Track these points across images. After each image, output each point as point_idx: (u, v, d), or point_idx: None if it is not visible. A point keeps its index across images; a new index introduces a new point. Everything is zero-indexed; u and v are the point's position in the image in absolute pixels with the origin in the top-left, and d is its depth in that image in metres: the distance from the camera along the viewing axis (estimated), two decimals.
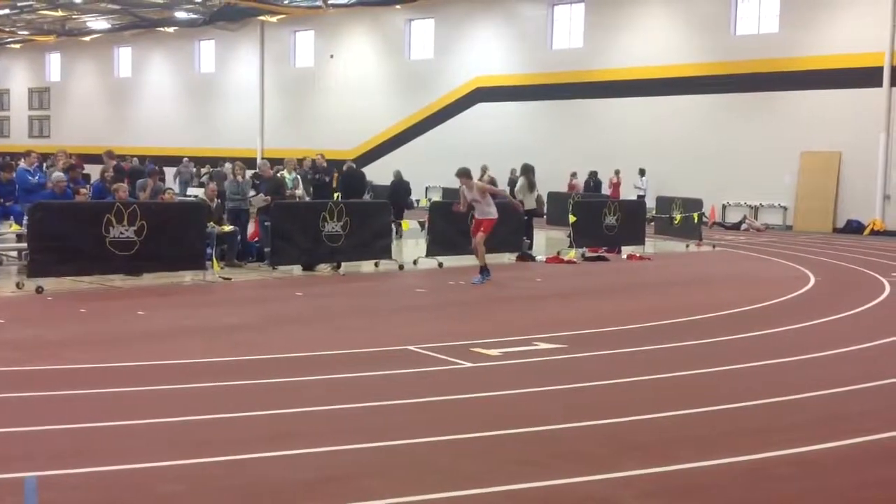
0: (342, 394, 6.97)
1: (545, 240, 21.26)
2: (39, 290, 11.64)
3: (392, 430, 5.99)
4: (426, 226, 16.43)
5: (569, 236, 18.36)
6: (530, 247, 17.99)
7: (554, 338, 9.28)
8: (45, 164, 18.41)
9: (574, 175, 30.24)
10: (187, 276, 13.44)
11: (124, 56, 48.13)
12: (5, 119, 54.53)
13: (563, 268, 16.63)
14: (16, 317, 10.16)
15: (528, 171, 18.70)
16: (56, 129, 50.94)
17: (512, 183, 22.12)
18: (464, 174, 14.16)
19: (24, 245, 12.43)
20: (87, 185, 16.41)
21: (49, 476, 4.93)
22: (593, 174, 30.41)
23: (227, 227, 14.78)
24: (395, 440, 5.76)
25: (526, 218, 17.88)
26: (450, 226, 15.99)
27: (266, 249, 14.89)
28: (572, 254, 17.60)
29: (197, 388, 7.09)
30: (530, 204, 18.29)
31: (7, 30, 45.30)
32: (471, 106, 35.15)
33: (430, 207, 16.77)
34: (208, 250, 13.67)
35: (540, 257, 17.58)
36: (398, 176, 23.16)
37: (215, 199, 15.42)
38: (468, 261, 15.69)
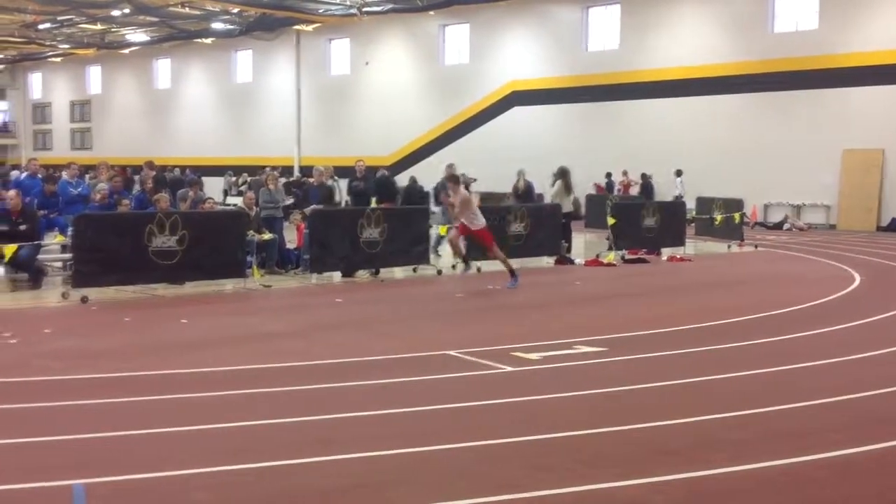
0: (382, 399, 6.99)
1: (583, 243, 21.18)
2: (84, 299, 11.82)
3: (431, 435, 5.99)
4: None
5: (608, 239, 18.28)
6: (568, 250, 17.93)
7: (594, 341, 9.25)
8: (87, 176, 18.68)
9: (625, 173, 30.22)
10: (228, 285, 13.56)
11: (163, 68, 48.77)
12: (48, 132, 55.44)
13: (602, 270, 16.55)
14: (62, 326, 10.32)
15: (564, 173, 18.65)
16: (97, 140, 51.71)
17: (551, 185, 22.06)
18: (451, 179, 14.49)
19: (69, 256, 12.61)
20: (129, 196, 16.61)
21: (95, 483, 5.00)
22: (608, 175, 30.43)
23: (267, 236, 14.90)
24: (434, 445, 5.76)
25: (564, 221, 17.83)
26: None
27: (305, 257, 14.99)
28: (611, 256, 17.51)
29: (237, 395, 7.14)
30: (567, 207, 18.24)
31: (48, 44, 46.07)
32: (506, 110, 35.15)
33: None
34: (248, 258, 13.80)
35: (579, 260, 17.52)
36: (412, 181, 23.19)
37: (254, 208, 15.55)
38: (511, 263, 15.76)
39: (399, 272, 15.60)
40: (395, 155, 36.91)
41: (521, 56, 34.77)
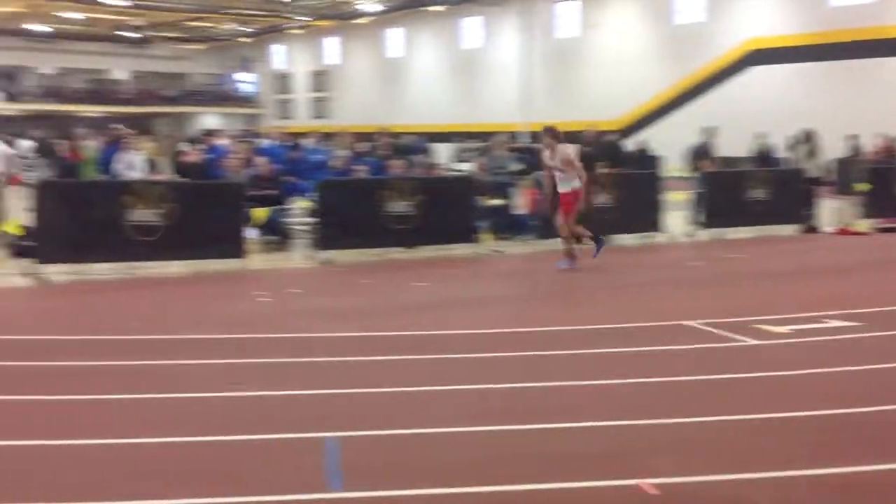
0: (621, 368, 6.82)
1: (832, 210, 19.87)
2: (327, 262, 12.36)
3: (679, 407, 5.78)
4: (698, 196, 15.83)
5: (859, 206, 16.99)
6: (813, 217, 16.86)
7: (848, 315, 8.60)
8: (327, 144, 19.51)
9: (884, 137, 28.08)
10: (459, 250, 13.76)
11: (395, 37, 50.14)
12: (290, 101, 58.52)
13: (853, 240, 15.44)
14: (308, 287, 10.84)
15: (809, 136, 17.54)
16: (335, 109, 54.03)
17: (790, 149, 20.80)
18: (549, 133, 12.14)
19: (312, 220, 13.23)
20: (365, 163, 17.18)
21: (346, 437, 5.17)
22: (853, 137, 28.08)
23: (497, 201, 14.98)
24: (685, 418, 5.54)
25: (808, 187, 16.77)
26: (725, 196, 15.33)
27: (534, 223, 14.95)
28: (864, 225, 16.29)
29: (463, 359, 7.19)
30: (813, 172, 17.14)
31: (290, 16, 48.55)
32: (743, 70, 33.47)
33: (704, 178, 16.12)
34: (480, 223, 13.93)
35: (827, 229, 16.43)
36: (642, 146, 22.50)
37: (485, 174, 15.67)
38: (745, 233, 15.02)
39: (630, 239, 15.25)
40: (623, 119, 36.13)
41: (761, 12, 32.94)
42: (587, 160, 18.14)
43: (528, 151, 18.45)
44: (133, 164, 13.83)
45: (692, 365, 6.94)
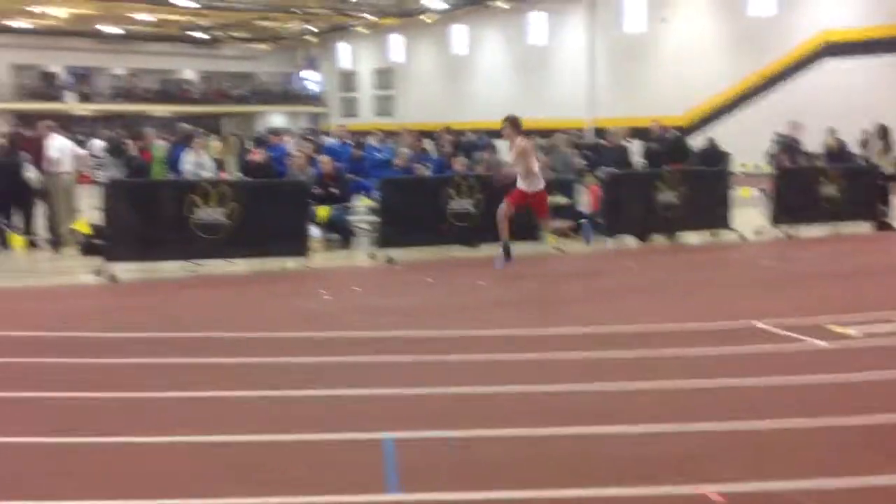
0: (685, 371, 6.68)
1: None
2: (390, 260, 12.38)
3: (745, 411, 5.62)
4: (769, 193, 15.49)
5: None
6: (887, 215, 16.37)
7: None
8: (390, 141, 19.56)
9: None
10: (523, 248, 13.64)
11: (460, 34, 50.12)
12: (354, 99, 58.92)
13: None
14: (370, 285, 10.88)
15: (883, 132, 17.06)
16: (399, 107, 54.24)
17: (863, 144, 20.26)
18: (509, 121, 11.72)
19: (375, 218, 13.26)
20: (429, 160, 17.19)
21: (404, 437, 5.15)
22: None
23: (561, 200, 14.84)
24: (750, 422, 5.40)
25: (882, 183, 16.29)
26: (796, 193, 14.98)
27: (598, 221, 14.79)
28: None
29: (524, 360, 7.12)
30: (887, 168, 16.65)
31: (355, 14, 48.87)
32: (816, 63, 32.67)
33: (777, 174, 15.76)
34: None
35: None
36: (710, 141, 22.03)
37: (549, 171, 15.52)
38: (817, 231, 14.67)
39: (696, 237, 14.98)
40: (691, 114, 35.58)
41: (834, 4, 32.10)
42: (652, 156, 17.99)
43: (594, 148, 18.27)
44: (200, 163, 14.03)
45: (759, 367, 6.76)
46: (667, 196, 14.35)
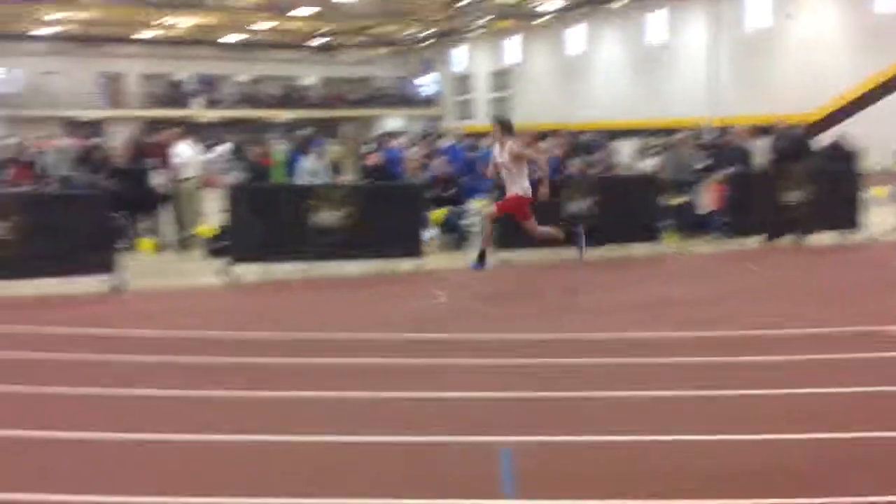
0: (810, 377, 6.39)
1: None
2: (504, 262, 12.29)
3: (874, 420, 5.35)
4: None
5: None
6: None
7: None
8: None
9: None
10: (640, 249, 13.38)
11: (576, 34, 49.67)
12: (470, 102, 59.10)
13: None
14: (484, 287, 10.82)
15: None
16: (515, 108, 54.14)
17: None
18: (500, 124, 10.78)
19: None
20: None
21: (520, 442, 5.08)
22: None
23: (680, 199, 14.49)
24: (880, 432, 5.14)
25: None
26: None
27: (721, 221, 14.37)
28: None
29: (637, 364, 6.94)
30: None
31: (469, 18, 49.03)
32: None
33: None
34: (662, 223, 13.53)
35: None
36: (837, 140, 21.08)
37: (669, 171, 15.19)
38: None
39: (825, 238, 14.37)
40: (818, 112, 34.27)
41: None
42: (777, 155, 17.39)
43: (715, 147, 17.76)
44: (314, 170, 14.26)
45: (891, 375, 6.41)
46: (792, 195, 13.84)
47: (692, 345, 7.55)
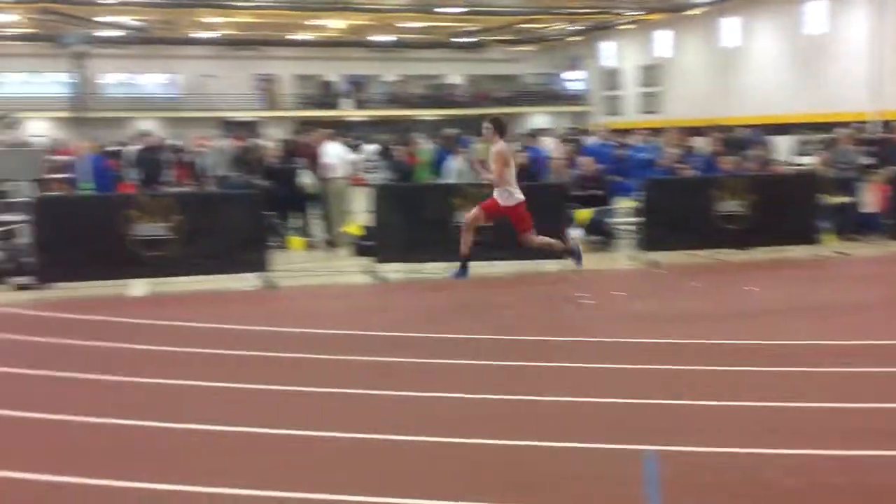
0: None
1: None
2: (653, 263, 11.99)
3: None
4: None
5: None
6: None
7: None
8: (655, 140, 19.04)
9: None
10: (797, 251, 12.78)
11: (730, 25, 48.10)
12: (617, 97, 58.18)
13: None
14: (632, 289, 10.57)
15: None
16: (665, 103, 52.92)
17: None
18: (492, 125, 9.94)
19: (637, 219, 12.90)
20: (695, 160, 16.54)
21: (665, 450, 4.92)
22: None
23: (843, 198, 13.77)
24: None
25: None
26: None
27: (885, 222, 13.58)
28: None
29: (796, 372, 6.59)
30: None
31: (618, 12, 48.25)
32: None
33: None
34: (822, 223, 12.89)
35: None
36: None
37: (830, 168, 14.46)
38: None
39: None
40: None
41: None
42: None
43: (879, 143, 16.81)
44: (461, 171, 14.28)
45: None
46: None
47: (849, 353, 7.11)
